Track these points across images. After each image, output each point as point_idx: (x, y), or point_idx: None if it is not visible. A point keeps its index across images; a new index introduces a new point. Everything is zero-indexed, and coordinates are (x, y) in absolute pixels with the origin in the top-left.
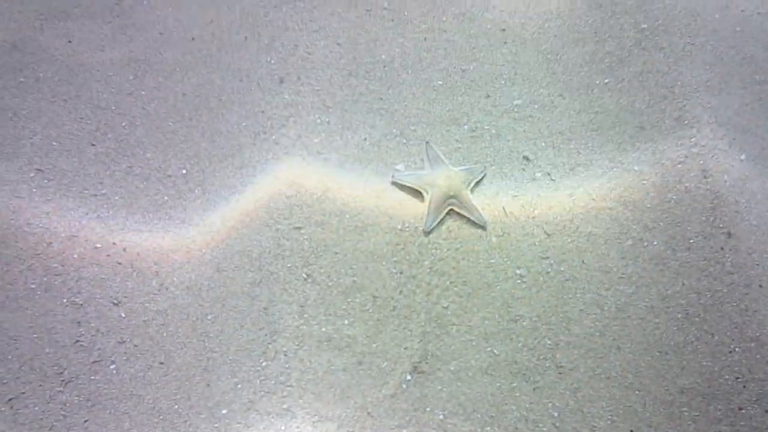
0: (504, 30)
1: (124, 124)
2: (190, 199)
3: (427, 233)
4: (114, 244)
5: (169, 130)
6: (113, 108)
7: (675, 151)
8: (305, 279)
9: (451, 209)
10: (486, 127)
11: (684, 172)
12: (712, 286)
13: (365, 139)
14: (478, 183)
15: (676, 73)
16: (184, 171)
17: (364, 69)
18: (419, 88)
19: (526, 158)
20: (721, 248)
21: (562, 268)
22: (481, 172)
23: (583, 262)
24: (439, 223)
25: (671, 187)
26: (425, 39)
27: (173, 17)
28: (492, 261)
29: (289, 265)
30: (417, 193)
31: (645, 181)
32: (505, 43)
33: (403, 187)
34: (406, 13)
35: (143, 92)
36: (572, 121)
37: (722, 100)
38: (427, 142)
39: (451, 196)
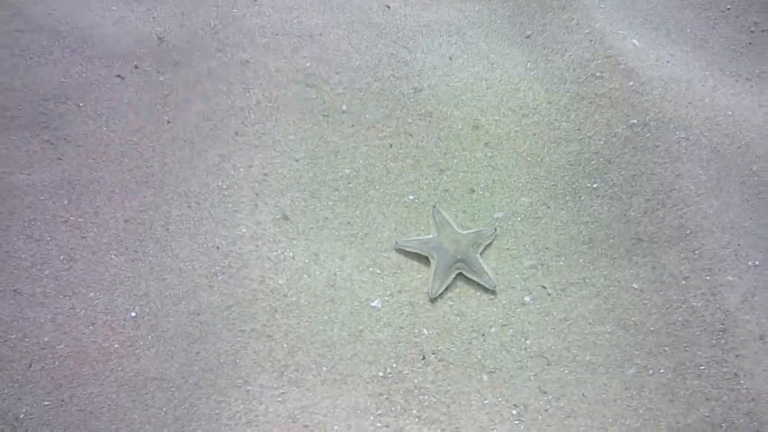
0: (476, 128)
1: (62, 257)
2: (144, 348)
3: (433, 299)
4: (63, 401)
5: (113, 264)
6: (48, 239)
7: (678, 265)
8: None
9: (460, 273)
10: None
11: (689, 289)
12: (728, 416)
13: (335, 274)
14: (488, 246)
15: (672, 174)
16: (133, 314)
17: (327, 188)
18: (389, 205)
19: (512, 281)
20: (735, 374)
21: (562, 404)
22: (491, 235)
23: (583, 395)
24: (443, 293)
25: (676, 307)
26: (391, 146)
27: (108, 128)
28: (485, 402)
29: None
30: (397, 334)
31: (646, 301)
32: (480, 144)
33: (408, 254)
34: (367, 116)
35: (81, 219)
36: (560, 234)
37: (723, 200)
38: (435, 206)
39: (459, 260)
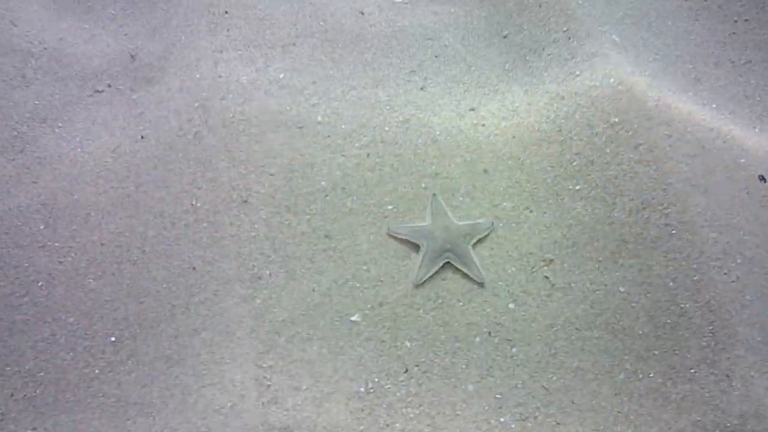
0: (455, 134)
1: (40, 284)
2: (123, 372)
3: (417, 285)
4: (46, 429)
5: (91, 288)
6: (26, 265)
7: (665, 266)
8: None
9: (448, 262)
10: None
11: (677, 290)
12: (720, 420)
13: (313, 290)
14: (482, 239)
15: (656, 172)
16: (113, 338)
17: (303, 202)
18: (368, 216)
19: (496, 287)
20: (727, 376)
21: (551, 411)
22: (487, 228)
23: (572, 402)
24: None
25: (664, 310)
26: (368, 155)
27: (82, 148)
28: (471, 412)
29: None
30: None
31: (634, 305)
32: (459, 150)
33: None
34: (343, 126)
35: (57, 244)
36: (543, 238)
37: (710, 197)
38: (434, 195)
39: (448, 249)
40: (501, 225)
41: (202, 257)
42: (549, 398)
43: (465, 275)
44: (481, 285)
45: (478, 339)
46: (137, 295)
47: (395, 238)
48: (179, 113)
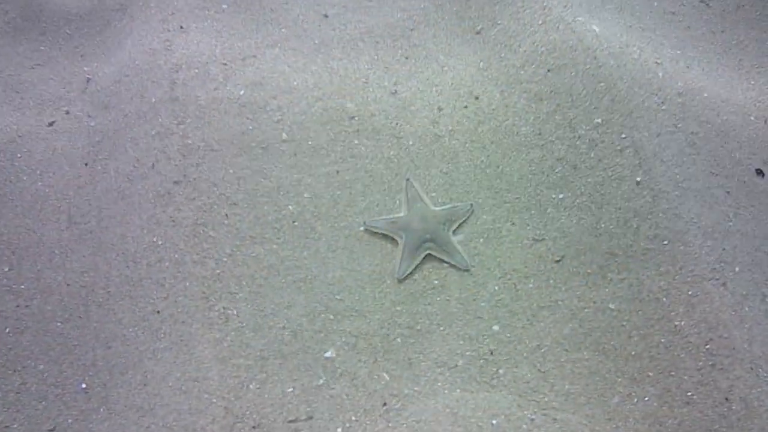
0: (429, 143)
1: (7, 330)
2: (97, 422)
3: (401, 281)
4: None
5: (59, 332)
6: None
7: (656, 280)
8: None
9: (429, 254)
10: (426, 277)
11: (671, 306)
12: None
13: (284, 327)
14: (462, 224)
15: (644, 177)
16: (83, 386)
17: (270, 230)
18: (339, 240)
19: (478, 309)
20: (726, 399)
21: None
22: (467, 211)
23: (563, 428)
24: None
25: (657, 328)
26: (337, 172)
27: (43, 182)
28: None
29: None
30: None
31: (625, 323)
32: (434, 160)
33: (376, 235)
34: (309, 143)
35: (23, 287)
36: (527, 253)
37: (703, 200)
38: (408, 179)
39: (428, 239)
40: (481, 241)
41: (166, 299)
42: (538, 422)
43: (443, 293)
44: (466, 271)
45: (460, 363)
46: (105, 340)
47: (373, 233)
48: (136, 142)
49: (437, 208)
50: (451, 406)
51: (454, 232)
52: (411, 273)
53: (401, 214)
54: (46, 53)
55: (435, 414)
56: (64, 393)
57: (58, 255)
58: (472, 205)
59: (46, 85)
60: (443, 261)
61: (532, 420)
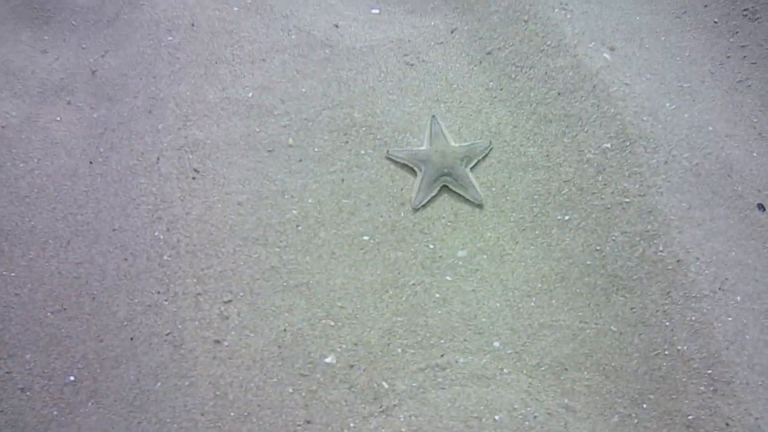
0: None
1: None
2: (84, 415)
3: (416, 210)
4: None
5: (49, 323)
6: None
7: (659, 304)
8: None
9: (445, 186)
10: (428, 290)
11: (673, 330)
12: None
13: (284, 330)
14: (481, 161)
15: (649, 203)
16: (72, 378)
17: (273, 233)
18: (342, 248)
19: (479, 324)
20: (726, 424)
21: None
22: (485, 148)
23: None
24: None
25: (659, 351)
26: (343, 180)
27: (40, 170)
28: None
29: None
30: None
31: (626, 345)
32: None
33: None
34: (315, 149)
35: (14, 274)
36: (529, 272)
37: (706, 229)
38: (434, 116)
39: (446, 173)
40: (484, 257)
41: (165, 295)
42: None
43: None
44: (479, 206)
45: (460, 376)
46: (97, 332)
47: (394, 162)
48: (141, 136)
49: (457, 145)
50: (452, 400)
51: (471, 168)
52: (425, 204)
53: (423, 148)
54: (50, 42)
55: (435, 407)
56: (50, 384)
57: (52, 245)
58: (491, 142)
59: (49, 75)
60: (458, 194)
61: (536, 417)
